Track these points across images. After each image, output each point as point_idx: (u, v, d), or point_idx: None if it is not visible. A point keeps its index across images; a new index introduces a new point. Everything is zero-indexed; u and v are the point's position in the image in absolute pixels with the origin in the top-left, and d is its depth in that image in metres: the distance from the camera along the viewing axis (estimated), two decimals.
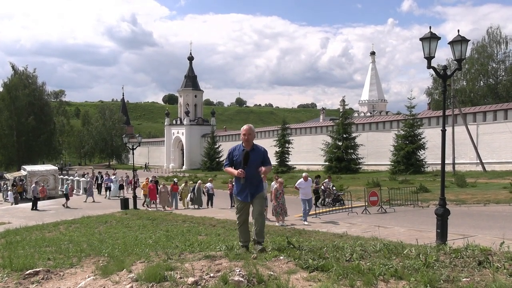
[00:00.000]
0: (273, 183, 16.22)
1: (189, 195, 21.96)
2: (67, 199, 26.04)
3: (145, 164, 72.06)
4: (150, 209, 21.40)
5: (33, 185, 27.08)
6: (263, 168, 5.55)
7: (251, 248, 5.43)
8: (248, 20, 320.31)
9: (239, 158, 5.60)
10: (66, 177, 41.39)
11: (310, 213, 15.60)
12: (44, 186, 29.85)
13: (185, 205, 22.06)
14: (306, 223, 14.48)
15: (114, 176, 31.02)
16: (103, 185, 31.76)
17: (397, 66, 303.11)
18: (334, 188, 20.57)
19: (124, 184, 30.29)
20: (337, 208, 18.21)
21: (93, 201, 27.16)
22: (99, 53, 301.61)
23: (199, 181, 23.03)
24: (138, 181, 29.05)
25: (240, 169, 5.43)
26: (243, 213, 5.66)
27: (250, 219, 5.69)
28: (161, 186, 22.67)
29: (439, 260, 4.26)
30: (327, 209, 17.60)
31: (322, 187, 20.06)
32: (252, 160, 5.52)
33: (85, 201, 27.16)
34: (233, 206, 21.76)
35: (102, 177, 33.74)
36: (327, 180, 20.81)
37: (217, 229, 11.94)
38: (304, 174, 15.94)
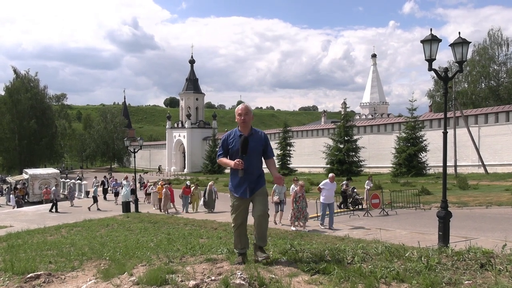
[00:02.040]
0: (292, 185, 15.37)
1: (202, 198, 21.20)
2: (96, 201, 25.78)
3: (159, 167, 71.57)
4: (170, 212, 20.95)
5: (53, 188, 27.27)
6: (277, 176, 4.68)
7: (250, 257, 4.76)
8: (249, 23, 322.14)
9: (235, 145, 4.65)
10: (79, 181, 41.08)
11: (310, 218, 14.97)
12: (49, 189, 29.85)
13: (194, 209, 21.33)
14: (322, 227, 13.68)
15: (126, 180, 30.37)
16: (109, 190, 30.80)
17: (398, 69, 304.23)
18: (355, 190, 19.89)
19: (136, 188, 28.45)
20: (341, 210, 18.09)
21: (72, 206, 27.22)
22: (100, 57, 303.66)
23: (210, 183, 21.89)
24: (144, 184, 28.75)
25: (238, 159, 4.51)
26: (240, 212, 4.70)
27: (249, 221, 4.84)
28: (164, 189, 22.16)
29: (441, 263, 4.25)
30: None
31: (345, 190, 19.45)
32: (252, 148, 4.59)
33: (72, 205, 27.43)
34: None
35: (108, 181, 32.85)
36: (368, 181, 20.18)
37: (218, 232, 11.92)
38: (330, 175, 14.64)
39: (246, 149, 4.54)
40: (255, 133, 4.75)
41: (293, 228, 13.28)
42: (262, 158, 4.85)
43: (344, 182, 19.65)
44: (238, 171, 4.57)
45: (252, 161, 4.60)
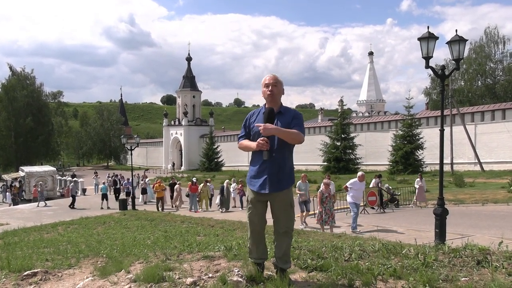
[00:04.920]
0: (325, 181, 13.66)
1: (218, 197, 20.14)
2: (103, 198, 25.10)
3: (173, 164, 70.52)
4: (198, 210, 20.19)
5: (72, 183, 27.04)
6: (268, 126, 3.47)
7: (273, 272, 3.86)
8: (246, 21, 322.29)
9: (258, 123, 3.63)
10: (75, 178, 40.69)
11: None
12: (37, 187, 29.66)
13: (206, 208, 20.51)
14: (357, 230, 12.19)
15: (148, 179, 28.64)
16: (121, 189, 28.88)
17: (395, 66, 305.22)
18: (390, 188, 19.65)
19: (147, 188, 26.93)
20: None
21: (45, 205, 26.93)
22: (97, 54, 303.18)
23: (227, 181, 20.70)
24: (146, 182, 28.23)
25: (262, 138, 3.50)
26: (256, 211, 3.73)
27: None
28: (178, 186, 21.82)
29: (438, 260, 4.26)
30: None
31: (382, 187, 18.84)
32: (279, 125, 3.58)
33: (38, 206, 26.97)
34: (235, 206, 21.25)
35: (119, 180, 30.89)
36: (417, 179, 19.36)
37: (215, 230, 11.91)
38: (360, 173, 13.31)
39: (271, 124, 3.54)
40: (286, 111, 3.74)
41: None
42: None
43: (377, 180, 18.83)
44: (261, 155, 3.59)
45: (278, 145, 3.58)
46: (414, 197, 19.18)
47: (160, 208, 21.38)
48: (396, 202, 18.74)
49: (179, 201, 21.54)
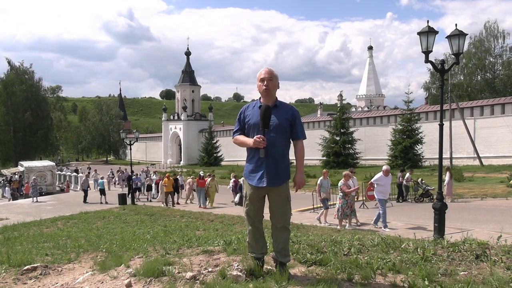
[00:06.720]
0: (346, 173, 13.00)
1: (238, 194, 18.98)
2: (101, 193, 25.23)
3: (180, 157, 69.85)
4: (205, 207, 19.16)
5: (84, 178, 26.88)
6: (299, 180, 3.75)
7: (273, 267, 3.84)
8: (245, 15, 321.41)
9: (253, 118, 3.68)
10: (75, 173, 40.49)
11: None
12: (29, 183, 29.56)
13: (211, 203, 19.60)
14: (387, 230, 10.95)
15: (155, 174, 27.98)
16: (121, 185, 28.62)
17: (395, 61, 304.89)
18: (423, 182, 19.36)
19: (152, 184, 25.95)
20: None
21: (36, 201, 26.75)
22: (96, 48, 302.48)
23: (243, 178, 19.86)
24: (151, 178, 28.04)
25: (258, 135, 3.53)
26: (254, 205, 3.77)
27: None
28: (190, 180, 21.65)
29: (437, 254, 4.27)
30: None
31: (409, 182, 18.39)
32: (275, 123, 3.62)
33: (35, 201, 26.85)
34: (233, 201, 20.89)
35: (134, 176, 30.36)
36: (447, 173, 18.13)
37: (215, 224, 11.93)
38: (385, 167, 12.42)
39: (268, 121, 3.54)
40: (281, 105, 3.74)
41: (347, 227, 11.48)
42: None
43: (399, 174, 18.28)
44: (258, 152, 3.63)
45: (274, 140, 3.60)
46: (444, 192, 18.47)
47: (165, 204, 20.57)
48: (430, 197, 18.12)
49: (191, 196, 21.54)
